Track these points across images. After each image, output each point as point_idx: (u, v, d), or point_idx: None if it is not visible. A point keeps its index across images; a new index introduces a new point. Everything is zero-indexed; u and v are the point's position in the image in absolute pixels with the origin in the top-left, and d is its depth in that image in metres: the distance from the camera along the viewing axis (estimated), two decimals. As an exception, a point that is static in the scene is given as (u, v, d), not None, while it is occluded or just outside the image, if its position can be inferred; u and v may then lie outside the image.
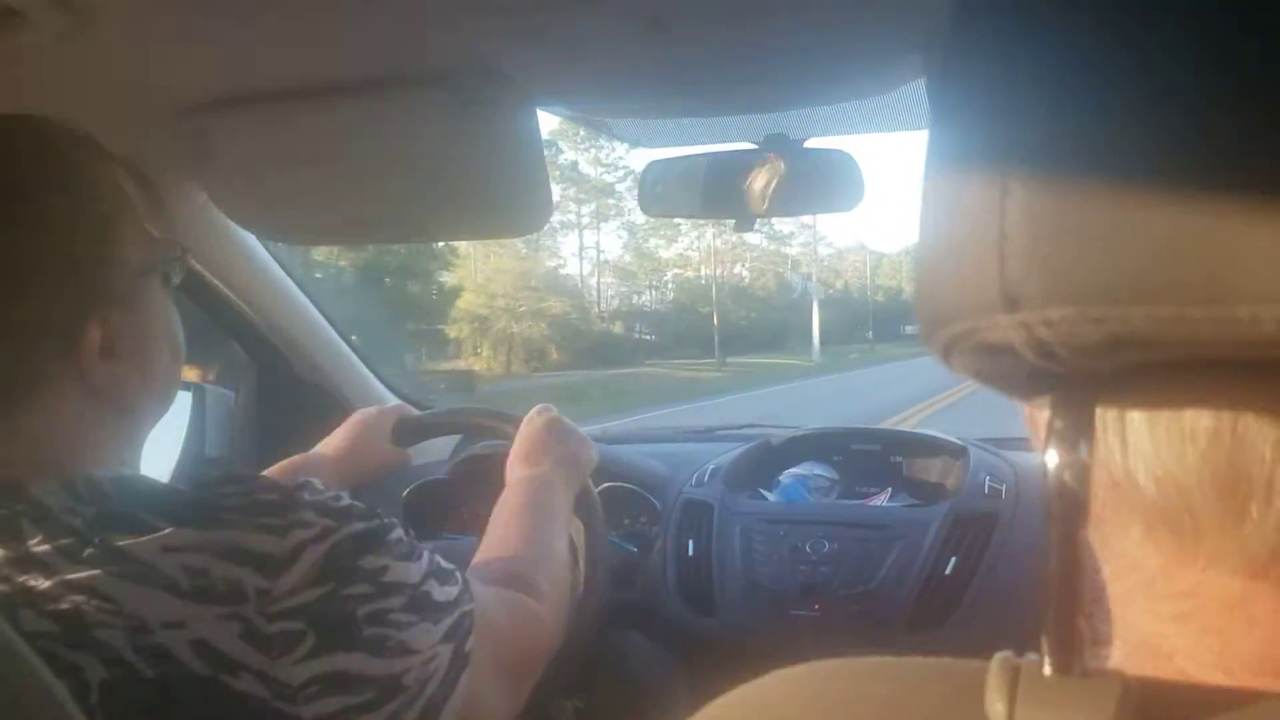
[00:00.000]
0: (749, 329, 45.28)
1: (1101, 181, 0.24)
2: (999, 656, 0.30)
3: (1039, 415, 0.34)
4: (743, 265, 54.51)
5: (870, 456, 1.68)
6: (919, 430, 1.77)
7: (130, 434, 0.80)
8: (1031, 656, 0.29)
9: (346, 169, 1.13)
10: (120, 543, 0.67)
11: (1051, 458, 0.28)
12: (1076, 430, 0.28)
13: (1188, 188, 0.23)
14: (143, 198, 0.81)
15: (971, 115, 0.27)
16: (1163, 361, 0.25)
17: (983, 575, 1.34)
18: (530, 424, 1.21)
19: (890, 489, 1.61)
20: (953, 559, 1.36)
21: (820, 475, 1.64)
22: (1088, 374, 0.27)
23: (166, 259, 0.82)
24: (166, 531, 0.67)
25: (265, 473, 1.20)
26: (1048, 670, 0.29)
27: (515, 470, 1.14)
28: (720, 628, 1.41)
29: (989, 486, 1.45)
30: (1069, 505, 0.28)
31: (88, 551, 0.67)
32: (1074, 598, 0.28)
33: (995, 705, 0.29)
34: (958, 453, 1.58)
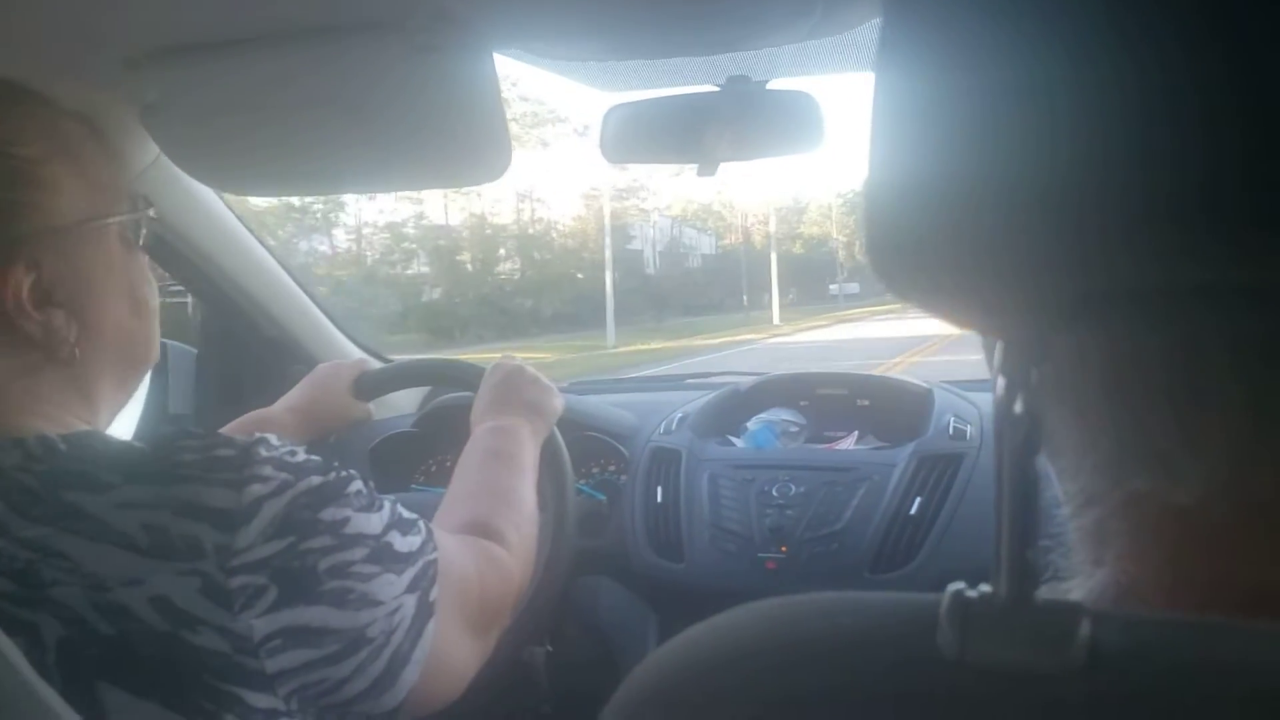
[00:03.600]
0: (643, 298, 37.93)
1: (1043, 106, 0.24)
2: (952, 588, 0.30)
3: (990, 347, 0.34)
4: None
5: (837, 401, 1.68)
6: (885, 374, 1.78)
7: (78, 388, 0.78)
8: (985, 588, 0.29)
9: (300, 119, 1.10)
10: (74, 500, 0.66)
11: (1001, 387, 0.28)
12: (1028, 359, 0.28)
13: (1128, 110, 0.23)
14: (90, 147, 0.79)
15: (917, 51, 0.26)
16: (1112, 288, 0.25)
17: (947, 515, 1.35)
18: (494, 374, 1.20)
19: (857, 432, 1.63)
20: (918, 499, 1.37)
21: (788, 421, 1.65)
22: (1038, 302, 0.27)
23: (118, 211, 0.80)
24: (122, 488, 0.67)
25: (225, 429, 1.19)
26: (1000, 601, 0.29)
27: (480, 420, 1.14)
28: (689, 573, 1.42)
29: (954, 428, 1.47)
30: (1019, 434, 0.28)
31: (41, 510, 0.66)
32: (1026, 528, 0.28)
33: (948, 637, 0.29)
34: (923, 395, 1.59)
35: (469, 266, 31.91)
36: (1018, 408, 0.28)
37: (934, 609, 0.30)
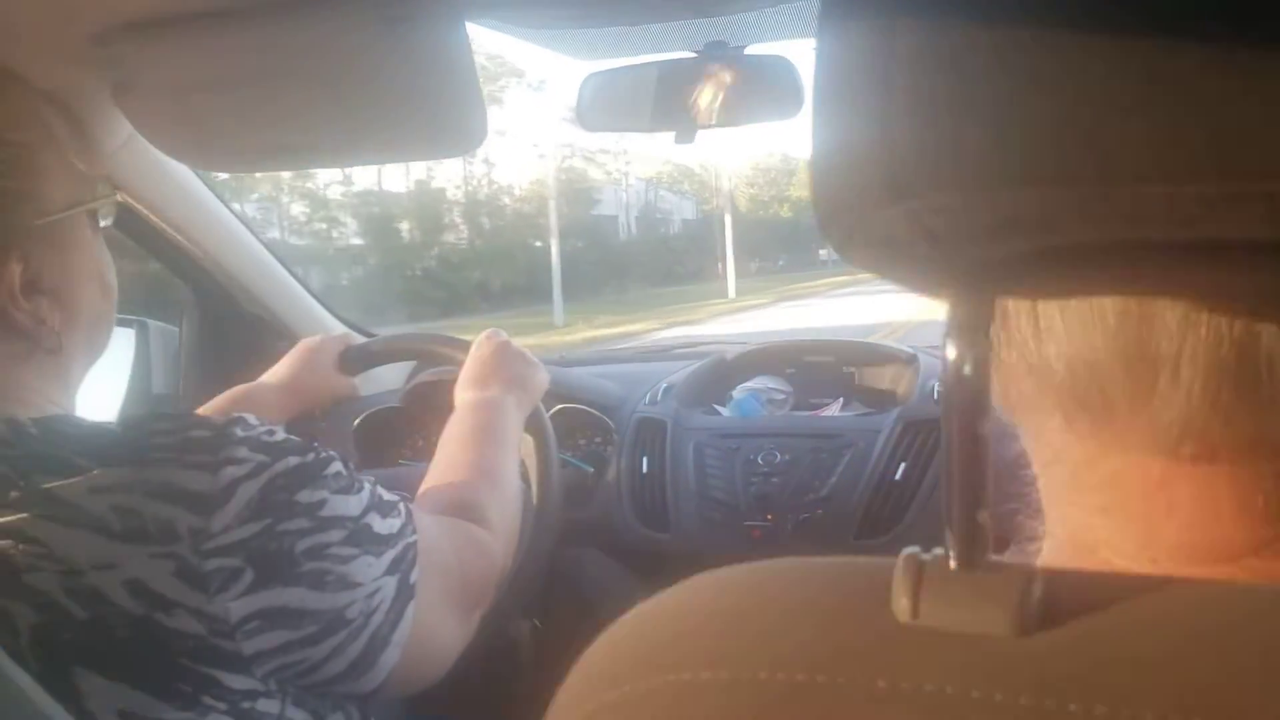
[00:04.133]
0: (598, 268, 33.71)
1: (985, 63, 0.23)
2: (905, 552, 0.30)
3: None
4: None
5: (823, 368, 1.69)
6: (870, 340, 1.78)
7: (58, 375, 0.78)
8: (937, 551, 0.29)
9: (272, 93, 1.09)
10: (47, 485, 0.66)
11: (950, 350, 0.28)
12: (975, 321, 0.27)
13: (1072, 67, 0.22)
14: (67, 132, 0.79)
15: (859, 12, 0.26)
16: (1058, 246, 0.25)
17: (932, 479, 1.36)
18: (479, 348, 1.19)
19: (842, 399, 1.63)
20: (902, 465, 1.38)
21: (774, 389, 1.65)
22: (984, 263, 0.26)
23: (95, 195, 0.80)
24: (94, 472, 0.66)
25: (207, 406, 1.18)
26: (953, 565, 0.28)
27: (463, 395, 1.13)
28: (675, 542, 1.42)
29: (938, 392, 1.47)
30: (968, 397, 0.28)
31: (13, 495, 0.66)
32: (976, 491, 0.28)
33: (900, 600, 0.29)
34: (908, 360, 1.59)
35: (406, 236, 28.58)
36: (966, 370, 0.28)
37: (887, 572, 0.30)
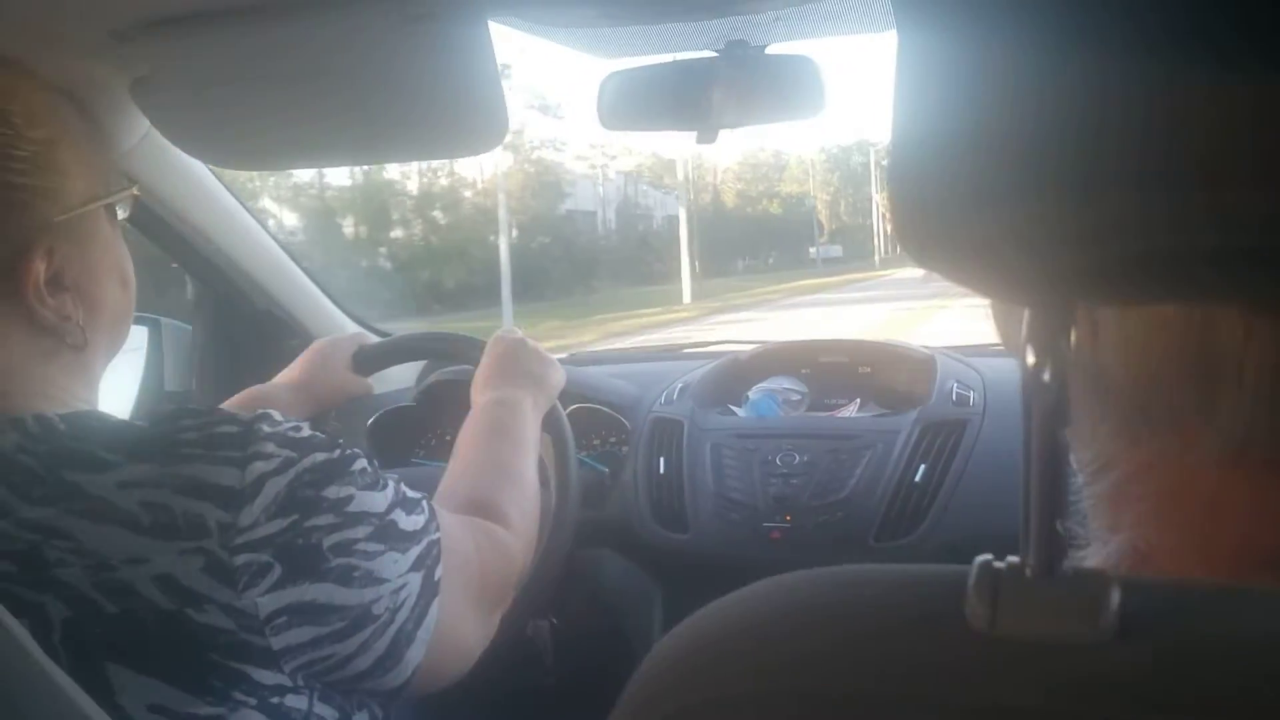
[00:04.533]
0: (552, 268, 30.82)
1: (1085, 63, 0.23)
2: (980, 560, 0.29)
3: (1010, 315, 0.33)
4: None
5: (838, 368, 1.68)
6: (886, 340, 1.77)
7: (82, 370, 0.78)
8: (1012, 559, 0.29)
9: (292, 91, 1.09)
10: (76, 480, 0.66)
11: (1030, 357, 0.27)
12: (1055, 329, 0.27)
13: (1178, 71, 0.22)
14: (85, 127, 0.79)
15: (942, 4, 0.25)
16: (1141, 254, 0.25)
17: (952, 481, 1.35)
18: (495, 347, 1.19)
19: (859, 400, 1.62)
20: (921, 466, 1.37)
21: (790, 389, 1.65)
22: (1066, 270, 0.26)
23: (112, 190, 0.80)
24: (123, 467, 0.66)
25: (223, 405, 1.18)
26: (1029, 573, 0.28)
27: (481, 394, 1.13)
28: (693, 543, 1.42)
29: (957, 394, 1.46)
30: (1048, 405, 0.27)
31: (43, 490, 0.66)
32: (1056, 499, 0.28)
33: (977, 609, 0.28)
34: (925, 361, 1.59)
35: (350, 232, 26.19)
36: (1046, 377, 0.27)
37: (959, 580, 0.29)
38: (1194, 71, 0.21)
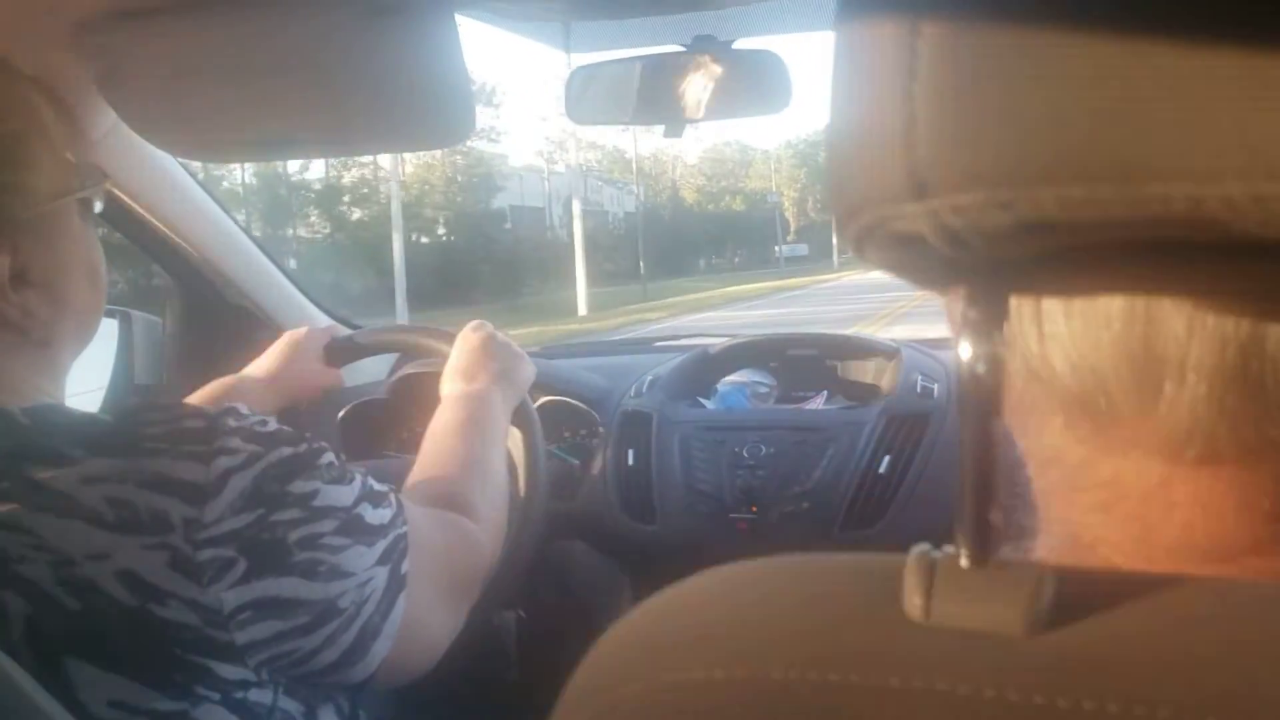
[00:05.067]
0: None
1: (1010, 61, 0.23)
2: (915, 550, 0.30)
3: (954, 306, 0.34)
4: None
5: (807, 361, 1.69)
6: (854, 333, 1.78)
7: (48, 365, 0.77)
8: (948, 549, 0.29)
9: (260, 82, 1.08)
10: (38, 475, 0.66)
11: (965, 349, 0.28)
12: (989, 320, 0.27)
13: (1099, 66, 0.22)
14: (56, 120, 0.78)
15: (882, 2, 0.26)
16: (1075, 246, 0.25)
17: (915, 473, 1.36)
18: (465, 340, 1.19)
19: (826, 392, 1.63)
20: (886, 458, 1.38)
21: (758, 382, 1.66)
22: (999, 262, 0.26)
23: (84, 184, 0.79)
24: (86, 462, 0.66)
25: (193, 397, 1.17)
26: (964, 562, 0.29)
27: (450, 387, 1.13)
28: (661, 535, 1.43)
29: (921, 386, 1.47)
30: (982, 396, 0.28)
31: (4, 485, 0.66)
32: (988, 489, 0.28)
33: (913, 598, 0.29)
34: (891, 354, 1.60)
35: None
36: (980, 368, 0.28)
37: (897, 569, 0.30)
38: (1133, 62, 0.22)
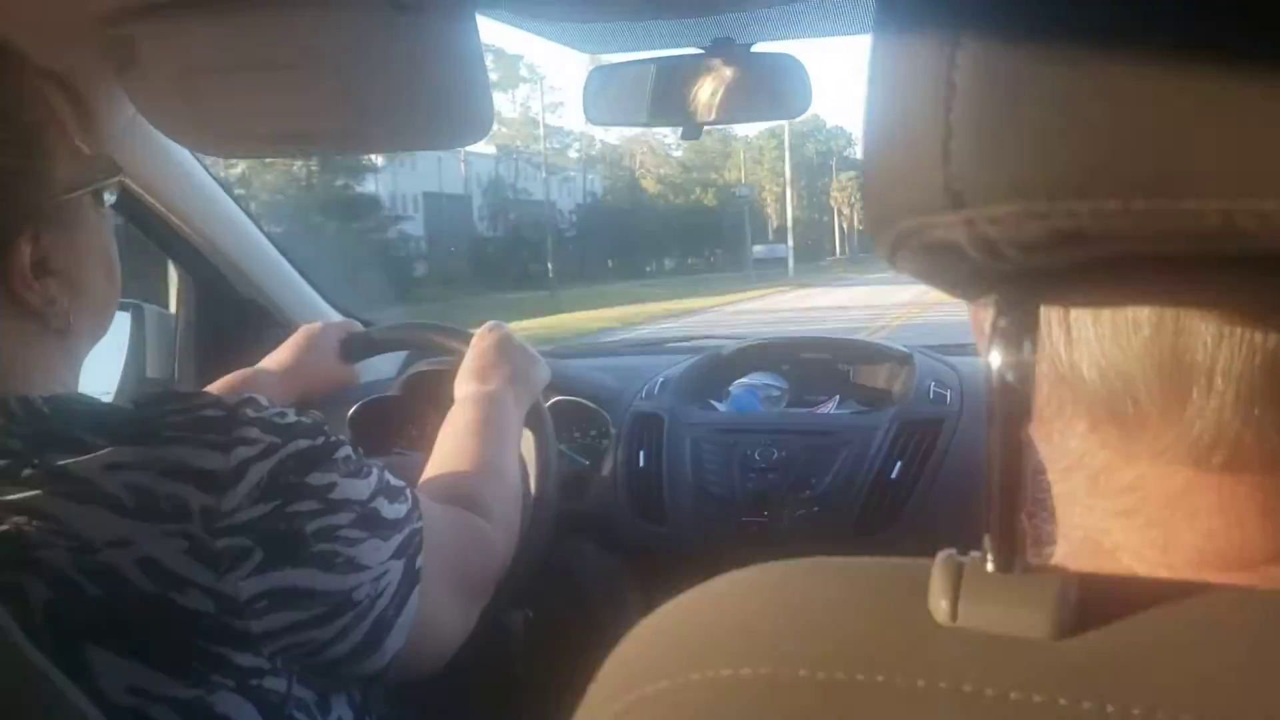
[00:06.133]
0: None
1: (1047, 74, 0.23)
2: (942, 555, 0.30)
3: (982, 314, 0.34)
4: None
5: (819, 365, 1.69)
6: (866, 338, 1.78)
7: (66, 355, 0.78)
8: (975, 554, 0.29)
9: (278, 78, 1.09)
10: (60, 462, 0.66)
11: (995, 357, 0.28)
12: (1020, 329, 0.28)
13: (1134, 81, 0.23)
14: (72, 112, 0.78)
15: (917, 5, 0.26)
16: (1107, 258, 0.25)
17: (928, 478, 1.36)
18: (481, 340, 1.19)
19: (838, 396, 1.63)
20: (899, 463, 1.38)
21: (770, 385, 1.65)
22: (1031, 272, 0.27)
23: (99, 176, 0.80)
24: (107, 450, 0.67)
25: (209, 389, 1.18)
26: (990, 567, 0.29)
27: (464, 387, 1.13)
28: (671, 536, 1.43)
29: (934, 392, 1.47)
30: (1012, 404, 0.28)
31: (26, 472, 0.66)
32: (1016, 495, 0.29)
33: (939, 602, 0.29)
34: (904, 359, 1.60)
35: None
36: (1009, 376, 0.28)
37: (923, 573, 0.30)
38: (1170, 77, 0.22)
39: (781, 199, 55.95)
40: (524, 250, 32.89)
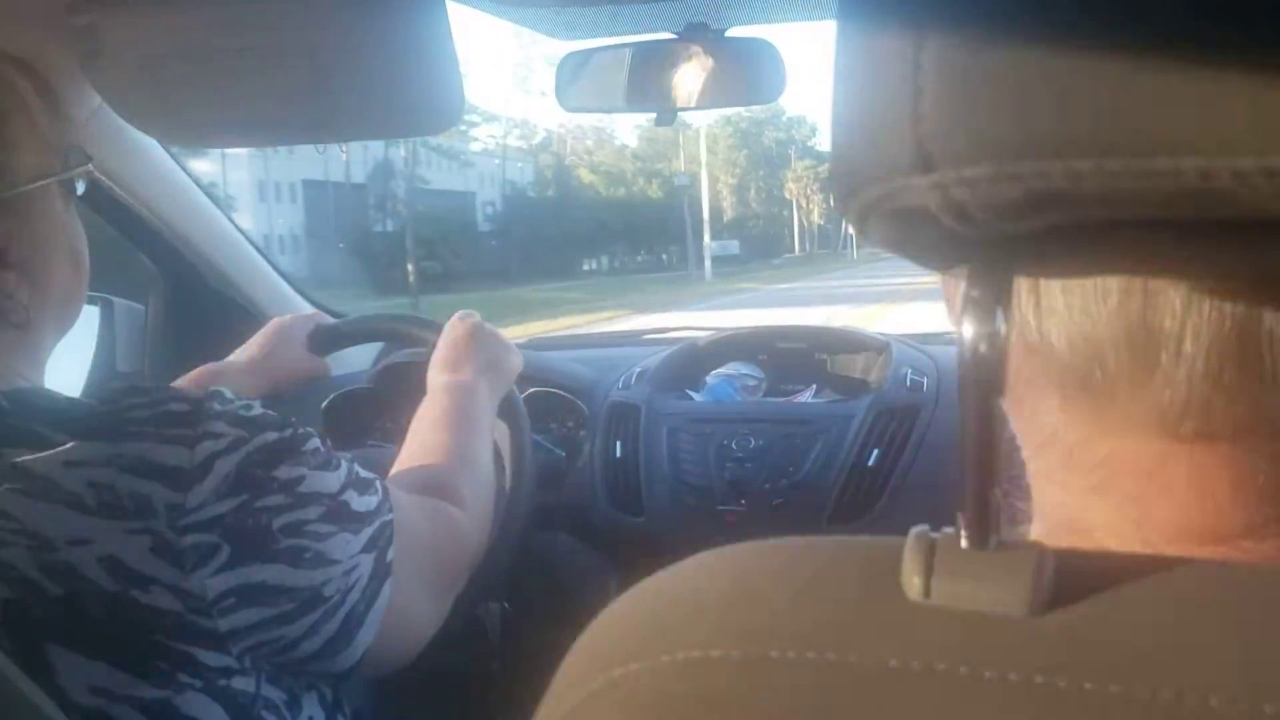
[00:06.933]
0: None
1: (1019, 32, 0.23)
2: (915, 531, 0.29)
3: (954, 285, 0.33)
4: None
5: (795, 355, 1.69)
6: (843, 327, 1.78)
7: (27, 349, 0.76)
8: (948, 530, 0.29)
9: (245, 67, 1.07)
10: (19, 459, 0.65)
11: (967, 327, 0.27)
12: (993, 298, 0.27)
13: (1108, 37, 0.22)
14: (38, 101, 0.77)
15: None
16: (1078, 223, 0.25)
17: (904, 466, 1.36)
18: (452, 330, 1.18)
19: (815, 385, 1.63)
20: (875, 451, 1.38)
21: (747, 375, 1.65)
22: (1005, 239, 0.26)
23: (66, 167, 0.78)
24: (68, 446, 0.65)
25: (176, 383, 1.16)
26: (964, 543, 0.28)
27: (436, 377, 1.12)
28: (649, 526, 1.42)
29: (910, 380, 1.47)
30: (985, 375, 0.28)
31: None
32: (989, 470, 0.28)
33: (912, 579, 0.29)
34: (880, 348, 1.60)
35: None
36: (982, 347, 0.27)
37: (895, 551, 0.30)
38: (1145, 34, 0.22)
39: (739, 191, 53.49)
40: (421, 248, 29.10)
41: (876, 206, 0.27)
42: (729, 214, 53.69)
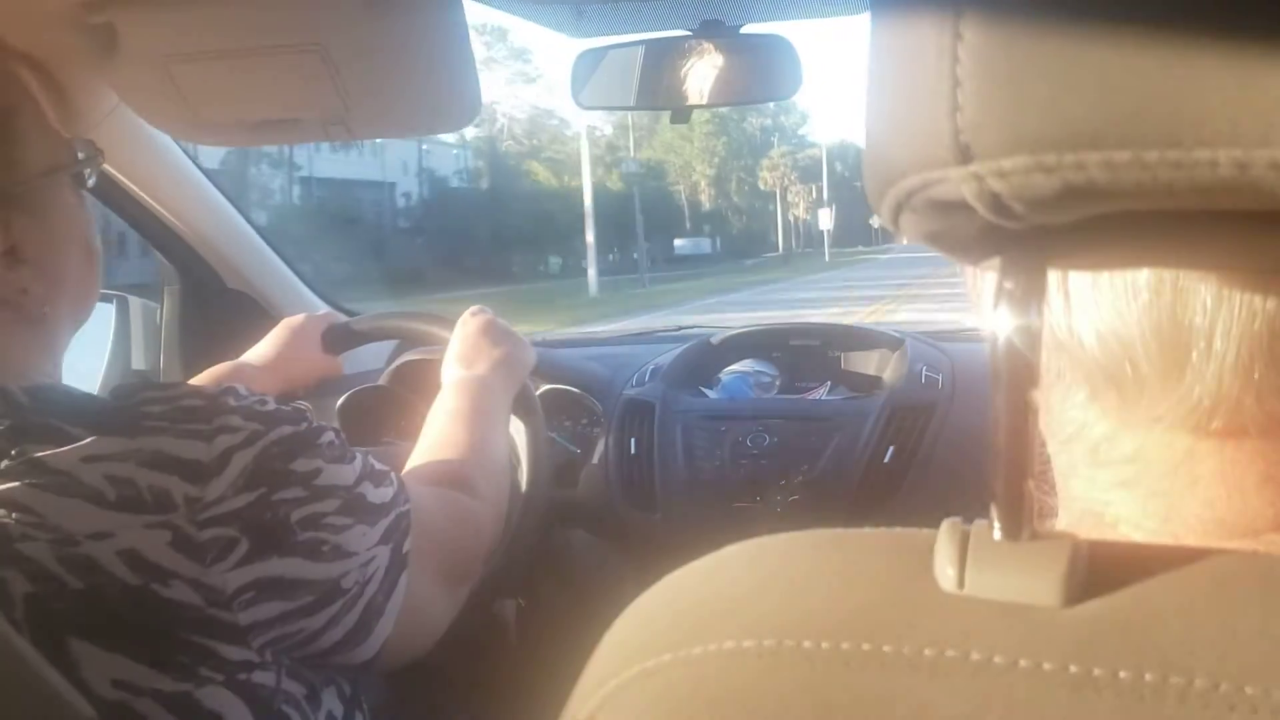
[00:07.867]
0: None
1: (1056, 23, 0.23)
2: (948, 522, 0.29)
3: (983, 279, 0.33)
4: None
5: (809, 352, 1.68)
6: (857, 324, 1.78)
7: (44, 344, 0.77)
8: (981, 521, 0.29)
9: (262, 64, 1.07)
10: (39, 454, 0.65)
11: (1001, 320, 0.27)
12: (1027, 291, 0.27)
13: (1145, 28, 0.22)
14: (49, 97, 0.77)
15: None
16: (1112, 215, 0.25)
17: (920, 463, 1.36)
18: (465, 326, 1.18)
19: (829, 382, 1.63)
20: (890, 448, 1.38)
21: (761, 372, 1.65)
22: (1039, 231, 0.26)
23: (77, 159, 0.79)
24: (87, 441, 0.65)
25: (191, 381, 1.17)
26: (997, 535, 0.28)
27: (450, 373, 1.12)
28: (663, 523, 1.42)
29: (925, 377, 1.47)
30: (1018, 368, 0.27)
31: (5, 464, 0.65)
32: (1023, 462, 0.28)
33: (945, 570, 0.28)
34: (895, 345, 1.59)
35: None
36: (1016, 339, 0.27)
37: (927, 542, 0.30)
38: (1182, 24, 0.21)
39: (718, 183, 49.37)
40: (317, 247, 25.67)
41: (911, 198, 0.27)
42: (706, 207, 49.56)
